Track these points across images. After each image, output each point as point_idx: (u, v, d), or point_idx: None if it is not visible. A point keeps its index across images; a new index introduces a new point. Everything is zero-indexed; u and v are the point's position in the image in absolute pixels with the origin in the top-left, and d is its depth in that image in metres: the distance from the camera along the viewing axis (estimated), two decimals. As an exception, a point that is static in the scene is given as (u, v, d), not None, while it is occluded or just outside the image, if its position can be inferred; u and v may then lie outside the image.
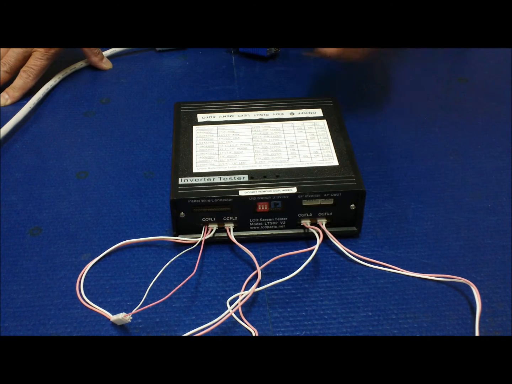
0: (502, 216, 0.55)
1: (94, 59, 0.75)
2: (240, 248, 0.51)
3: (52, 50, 0.70)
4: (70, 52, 0.76)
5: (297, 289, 0.49)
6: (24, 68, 0.70)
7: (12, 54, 0.70)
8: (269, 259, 0.49)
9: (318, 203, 0.51)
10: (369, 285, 0.49)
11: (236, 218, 0.51)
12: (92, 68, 0.76)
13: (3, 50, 0.70)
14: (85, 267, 0.51)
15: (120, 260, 0.52)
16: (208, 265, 0.51)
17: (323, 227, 0.51)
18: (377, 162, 0.61)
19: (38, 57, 0.69)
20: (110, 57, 0.77)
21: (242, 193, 0.50)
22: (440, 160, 0.61)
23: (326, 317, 0.47)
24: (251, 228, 0.52)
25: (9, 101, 0.69)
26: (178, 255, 0.50)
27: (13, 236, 0.54)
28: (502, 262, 0.51)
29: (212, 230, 0.52)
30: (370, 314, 0.47)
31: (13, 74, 0.70)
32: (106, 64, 0.76)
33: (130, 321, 0.45)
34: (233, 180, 0.51)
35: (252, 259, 0.49)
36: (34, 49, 0.70)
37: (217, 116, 0.58)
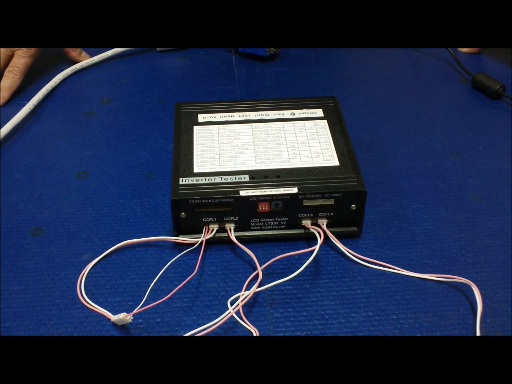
0: (503, 216, 0.55)
1: (73, 54, 0.75)
2: (241, 248, 0.51)
3: (35, 47, 0.70)
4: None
5: (298, 289, 0.49)
6: (9, 68, 0.70)
7: None
8: (269, 259, 0.49)
9: (319, 203, 0.51)
10: (370, 285, 0.49)
11: (236, 218, 0.51)
12: (93, 68, 0.76)
13: None
14: (86, 267, 0.51)
15: (120, 260, 0.52)
16: (209, 265, 0.51)
17: (324, 227, 0.51)
18: (378, 162, 0.61)
19: (22, 55, 0.70)
20: (111, 58, 0.77)
21: (243, 193, 0.50)
22: (440, 160, 0.61)
23: (327, 317, 0.47)
24: (252, 228, 0.52)
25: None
26: (179, 255, 0.50)
27: (14, 236, 0.54)
28: (503, 262, 0.51)
29: (212, 230, 0.52)
30: (371, 314, 0.47)
31: None
32: (85, 58, 0.76)
33: (131, 321, 0.45)
34: (234, 180, 0.51)
35: (253, 259, 0.49)
36: (16, 48, 0.70)
37: (218, 116, 0.58)
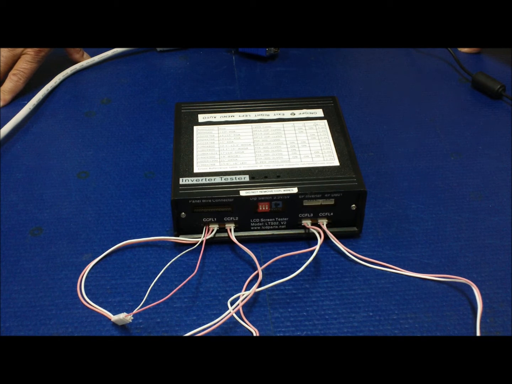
0: (503, 216, 0.55)
1: (76, 56, 0.75)
2: (241, 248, 0.51)
3: (42, 53, 0.70)
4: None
5: (298, 289, 0.49)
6: (13, 71, 0.70)
7: (0, 58, 0.70)
8: (270, 259, 0.49)
9: (319, 203, 0.51)
10: (370, 285, 0.49)
11: (237, 218, 0.51)
12: (93, 68, 0.76)
13: None
14: (86, 267, 0.51)
15: (121, 260, 0.52)
16: (209, 265, 0.51)
17: (324, 227, 0.51)
18: (378, 162, 0.61)
19: (29, 60, 0.70)
20: (111, 58, 0.77)
21: (243, 193, 0.50)
22: (440, 160, 0.61)
23: (327, 317, 0.47)
24: (252, 228, 0.52)
25: (0, 104, 0.69)
26: (179, 255, 0.50)
27: (14, 236, 0.54)
28: (503, 262, 0.51)
29: (213, 230, 0.52)
30: (371, 314, 0.47)
31: (2, 77, 0.70)
32: (87, 59, 0.76)
33: (131, 321, 0.45)
34: (234, 180, 0.51)
35: (253, 259, 0.49)
36: (24, 52, 0.70)
37: (218, 117, 0.58)
